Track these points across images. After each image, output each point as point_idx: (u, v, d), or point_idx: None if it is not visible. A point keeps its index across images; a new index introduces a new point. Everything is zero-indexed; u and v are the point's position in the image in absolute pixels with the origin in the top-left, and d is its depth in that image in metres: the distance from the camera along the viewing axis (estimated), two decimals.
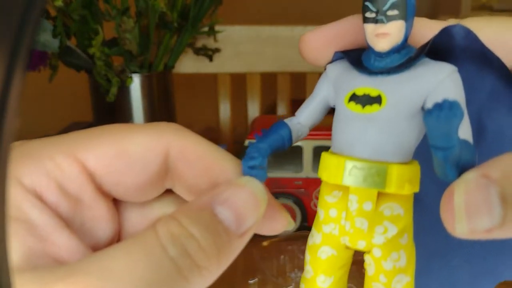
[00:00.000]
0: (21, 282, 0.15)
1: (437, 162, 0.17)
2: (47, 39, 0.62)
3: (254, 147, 0.20)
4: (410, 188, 0.19)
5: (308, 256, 0.21)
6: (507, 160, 0.16)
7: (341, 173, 0.19)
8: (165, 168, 0.20)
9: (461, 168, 0.17)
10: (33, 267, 0.16)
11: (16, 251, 0.16)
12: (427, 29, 0.21)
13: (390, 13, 0.18)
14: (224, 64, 0.86)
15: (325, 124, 0.68)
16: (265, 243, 0.54)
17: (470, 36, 0.19)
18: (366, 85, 0.19)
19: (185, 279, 0.16)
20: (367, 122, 0.19)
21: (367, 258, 0.20)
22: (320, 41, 0.21)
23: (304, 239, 0.53)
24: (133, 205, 0.21)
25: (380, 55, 0.19)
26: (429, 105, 0.19)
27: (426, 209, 0.21)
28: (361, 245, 0.20)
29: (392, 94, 0.19)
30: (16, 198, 0.17)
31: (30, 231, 0.17)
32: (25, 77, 0.09)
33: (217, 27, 0.72)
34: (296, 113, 0.22)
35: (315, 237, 0.21)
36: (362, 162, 0.19)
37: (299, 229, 0.56)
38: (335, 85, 0.21)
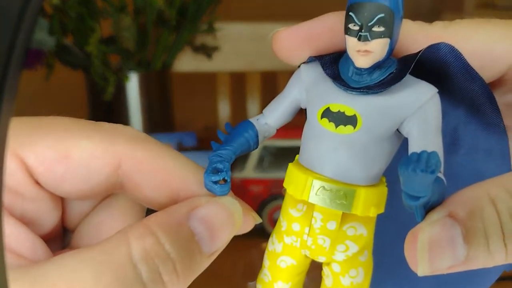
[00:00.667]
0: None
1: (406, 203, 0.16)
2: (43, 37, 0.61)
3: (218, 155, 0.19)
4: (376, 210, 0.19)
5: (267, 262, 0.21)
6: (472, 194, 0.16)
7: (308, 191, 0.19)
8: (114, 180, 0.19)
9: (429, 207, 0.16)
10: None
11: None
12: (410, 34, 0.20)
13: (375, 29, 0.17)
14: (224, 62, 0.86)
15: None
16: (265, 245, 0.53)
17: (455, 53, 0.19)
18: (341, 101, 0.18)
19: None
20: (338, 143, 0.18)
21: (325, 269, 0.20)
22: (294, 41, 0.20)
23: None
24: None
25: (360, 70, 0.18)
26: (405, 129, 0.18)
27: (391, 219, 0.21)
28: (321, 259, 0.20)
29: (368, 117, 0.18)
30: None
31: None
32: (21, 76, 0.09)
33: (216, 25, 0.72)
34: (264, 112, 0.21)
35: (275, 245, 0.21)
36: (330, 183, 0.18)
37: None
38: (309, 91, 0.20)
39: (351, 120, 0.18)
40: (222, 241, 0.18)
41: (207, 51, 0.76)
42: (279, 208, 0.52)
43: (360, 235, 0.19)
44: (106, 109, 0.64)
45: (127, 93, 0.64)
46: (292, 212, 0.20)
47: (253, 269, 0.49)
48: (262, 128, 0.21)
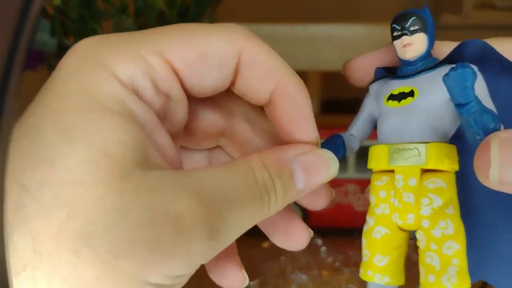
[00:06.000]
0: (137, 179, 0.16)
1: (465, 124, 0.20)
2: (45, 38, 0.62)
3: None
4: (449, 163, 0.21)
5: (364, 241, 0.23)
6: None
7: (386, 157, 0.22)
8: (236, 72, 0.21)
9: (489, 132, 0.19)
10: (148, 164, 0.17)
11: (131, 146, 0.17)
12: (447, 48, 0.23)
13: (412, 28, 0.22)
14: None
15: (324, 124, 0.68)
16: (265, 245, 0.54)
17: (487, 48, 0.21)
18: (400, 86, 0.23)
19: (263, 216, 0.20)
20: (404, 113, 0.22)
21: (418, 234, 0.22)
22: (362, 66, 0.25)
23: None
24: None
25: (410, 63, 0.23)
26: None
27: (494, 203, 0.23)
28: (410, 220, 0.22)
29: (422, 86, 0.22)
30: (114, 91, 0.17)
31: (140, 127, 0.18)
32: (22, 76, 0.09)
33: None
34: (348, 128, 0.25)
35: (369, 222, 0.23)
36: (404, 144, 0.22)
37: None
38: (376, 97, 0.24)
39: (410, 94, 0.22)
40: (313, 184, 0.21)
41: None
42: None
43: (441, 187, 0.21)
44: None
45: None
46: (377, 183, 0.23)
47: (254, 269, 0.50)
48: (348, 138, 0.25)
